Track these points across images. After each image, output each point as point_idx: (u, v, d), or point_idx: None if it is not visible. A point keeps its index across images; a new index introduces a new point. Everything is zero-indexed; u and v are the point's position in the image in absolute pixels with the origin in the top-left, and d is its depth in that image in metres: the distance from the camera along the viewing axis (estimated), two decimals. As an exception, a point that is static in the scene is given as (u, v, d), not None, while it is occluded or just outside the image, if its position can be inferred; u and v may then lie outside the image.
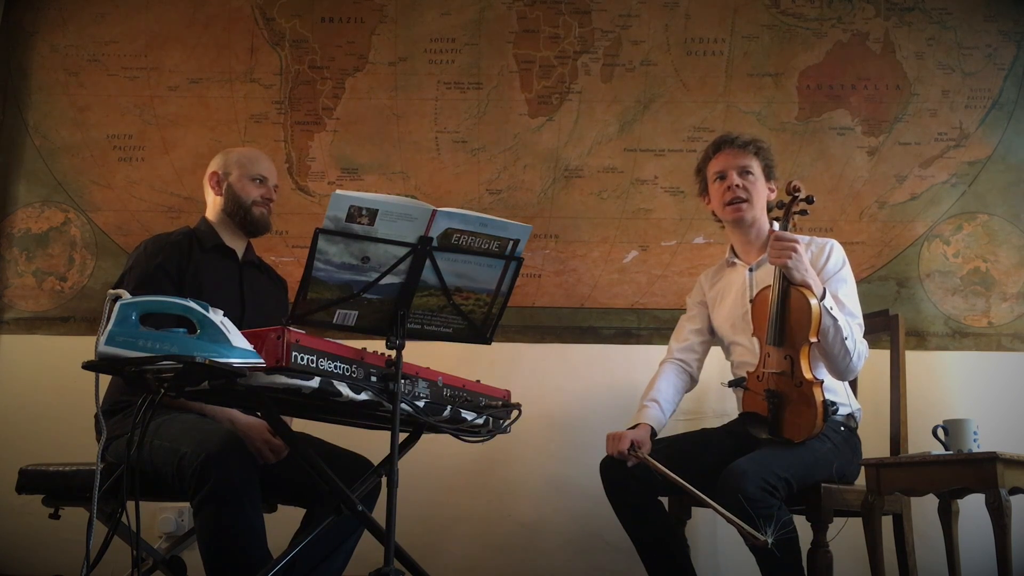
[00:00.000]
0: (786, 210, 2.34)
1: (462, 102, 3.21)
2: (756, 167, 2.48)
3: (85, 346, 1.64)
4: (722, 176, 2.49)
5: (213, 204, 2.39)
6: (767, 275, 2.40)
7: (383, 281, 1.72)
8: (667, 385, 2.51)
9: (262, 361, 1.55)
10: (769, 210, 2.51)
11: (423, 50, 3.24)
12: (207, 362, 1.47)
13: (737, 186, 2.45)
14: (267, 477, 2.00)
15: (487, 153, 3.20)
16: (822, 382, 2.23)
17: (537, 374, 3.04)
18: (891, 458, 2.42)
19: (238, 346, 1.53)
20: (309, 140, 3.21)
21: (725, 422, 2.59)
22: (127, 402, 2.10)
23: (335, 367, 1.65)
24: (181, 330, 1.53)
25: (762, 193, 2.49)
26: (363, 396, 1.67)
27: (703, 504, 2.14)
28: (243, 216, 2.35)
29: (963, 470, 2.18)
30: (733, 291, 2.54)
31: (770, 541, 1.98)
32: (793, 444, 2.23)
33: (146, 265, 2.19)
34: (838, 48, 3.21)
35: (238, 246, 2.38)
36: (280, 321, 1.64)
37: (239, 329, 1.57)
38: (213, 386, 1.57)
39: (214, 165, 2.40)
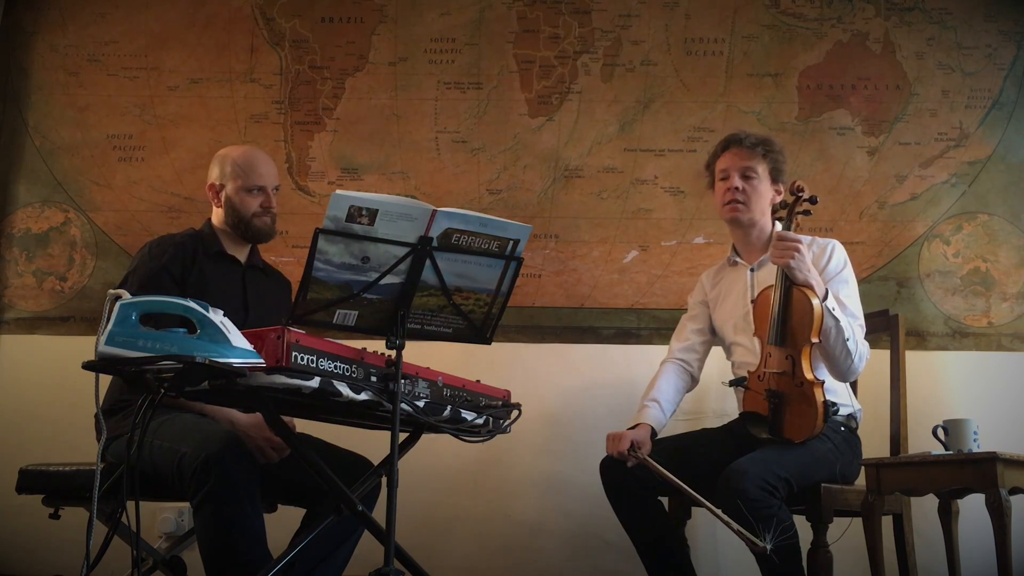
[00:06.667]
0: (789, 210, 2.34)
1: (462, 102, 3.21)
2: (761, 169, 2.46)
3: (85, 346, 1.64)
4: (725, 176, 2.49)
5: (216, 213, 2.37)
6: (769, 275, 2.40)
7: (383, 281, 1.72)
8: (668, 385, 2.51)
9: (262, 361, 1.55)
10: (774, 211, 2.50)
11: (423, 50, 3.23)
12: (207, 362, 1.47)
13: (736, 188, 2.44)
14: (267, 477, 2.00)
15: (487, 153, 3.19)
16: (823, 382, 2.23)
17: (537, 374, 3.04)
18: (891, 458, 2.42)
19: (238, 346, 1.53)
20: (309, 140, 3.21)
21: (725, 422, 2.59)
22: (127, 402, 2.10)
23: (335, 367, 1.65)
24: (181, 330, 1.53)
25: (764, 195, 2.47)
26: (363, 396, 1.67)
27: (703, 505, 2.14)
28: (244, 228, 2.32)
29: (963, 470, 2.18)
30: (735, 291, 2.53)
31: (769, 547, 1.97)
32: (793, 444, 2.23)
33: (150, 266, 2.19)
34: (838, 48, 3.21)
35: (240, 252, 2.37)
36: (281, 322, 1.64)
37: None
38: (213, 386, 1.57)
39: (212, 174, 2.35)
